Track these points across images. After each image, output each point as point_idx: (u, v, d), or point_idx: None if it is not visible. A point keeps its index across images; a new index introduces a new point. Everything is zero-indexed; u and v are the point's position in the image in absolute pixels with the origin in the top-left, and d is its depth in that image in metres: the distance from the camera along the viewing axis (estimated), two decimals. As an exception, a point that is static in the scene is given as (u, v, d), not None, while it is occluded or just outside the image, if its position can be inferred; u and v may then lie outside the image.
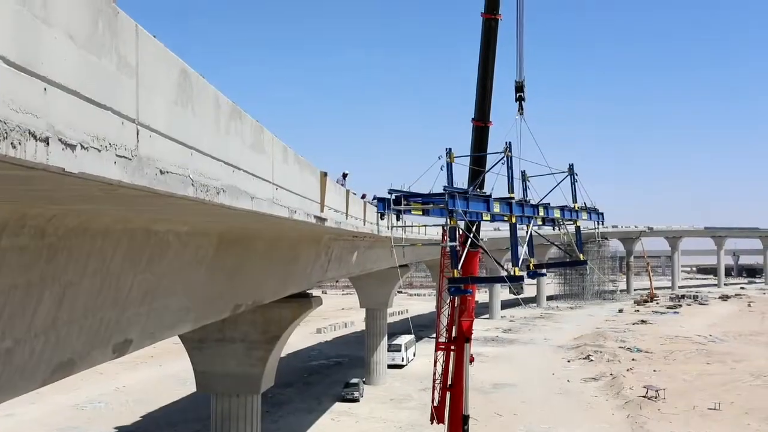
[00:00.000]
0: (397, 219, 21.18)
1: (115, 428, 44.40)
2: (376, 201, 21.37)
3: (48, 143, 3.95)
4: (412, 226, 24.96)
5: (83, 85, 4.36)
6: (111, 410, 48.80)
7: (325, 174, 15.39)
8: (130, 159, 5.08)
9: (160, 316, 13.68)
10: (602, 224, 33.12)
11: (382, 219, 21.76)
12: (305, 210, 13.10)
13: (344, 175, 22.69)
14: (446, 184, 23.12)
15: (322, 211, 14.91)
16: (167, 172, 5.86)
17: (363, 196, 24.14)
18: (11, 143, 3.59)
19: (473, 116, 27.97)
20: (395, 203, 20.36)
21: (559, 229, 30.89)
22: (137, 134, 5.21)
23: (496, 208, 23.86)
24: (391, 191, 20.47)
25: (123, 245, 10.78)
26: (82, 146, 4.36)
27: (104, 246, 10.19)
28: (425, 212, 21.84)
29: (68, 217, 8.80)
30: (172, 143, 5.97)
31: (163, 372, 61.08)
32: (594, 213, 31.01)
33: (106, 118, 4.69)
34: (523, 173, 27.29)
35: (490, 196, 24.44)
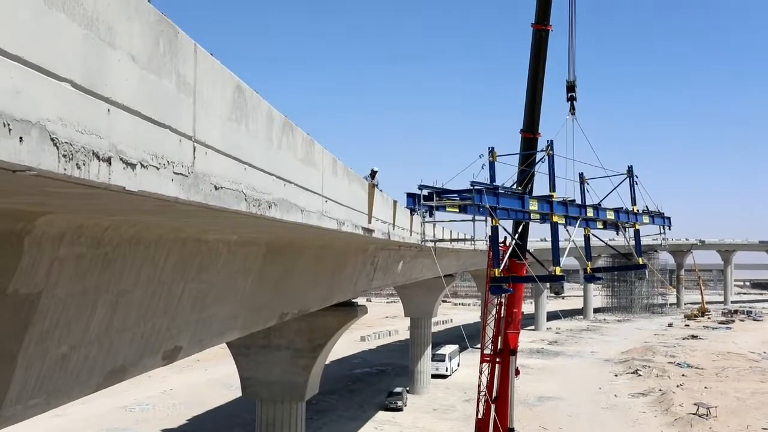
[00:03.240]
0: (430, 215, 20.75)
1: (162, 430, 45.13)
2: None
3: (110, 163, 4.05)
4: (443, 221, 23.73)
5: (144, 105, 4.45)
6: (158, 413, 49.65)
7: (373, 186, 15.43)
8: (187, 176, 5.17)
9: (209, 323, 13.86)
10: (669, 229, 30.88)
11: (412, 215, 21.22)
12: (353, 221, 13.15)
13: (373, 173, 21.19)
14: (490, 183, 22.63)
15: (369, 222, 14.95)
16: (221, 188, 5.94)
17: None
18: (76, 164, 3.69)
19: (522, 127, 27.72)
20: (427, 200, 19.75)
21: (623, 233, 29.19)
22: (194, 151, 5.30)
23: (533, 206, 23.15)
24: (421, 187, 20.00)
25: (174, 254, 10.96)
26: (142, 165, 4.46)
27: (156, 255, 10.37)
28: (462, 209, 21.03)
29: (123, 227, 8.99)
30: (226, 159, 6.05)
31: (210, 376, 61.87)
32: (659, 217, 29.44)
33: (164, 137, 4.79)
34: (581, 175, 26.60)
35: (525, 193, 23.90)
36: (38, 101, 3.37)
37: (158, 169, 4.69)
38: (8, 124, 3.15)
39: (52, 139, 3.50)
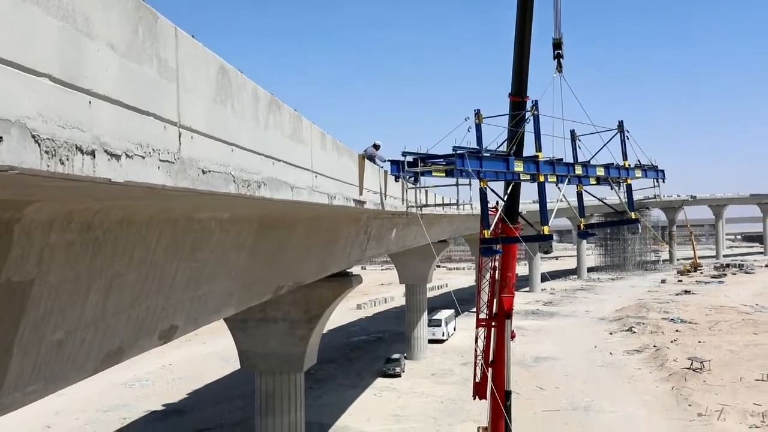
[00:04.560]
0: (415, 182, 20.71)
1: (163, 405, 45.51)
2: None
3: (94, 156, 4.00)
4: (427, 186, 23.73)
5: (126, 94, 4.39)
6: (158, 388, 50.01)
7: (363, 157, 15.38)
8: (173, 162, 5.13)
9: (204, 301, 13.87)
10: (663, 182, 30.16)
11: (396, 182, 21.18)
12: (344, 194, 13.12)
13: (376, 147, 21.30)
14: (476, 146, 22.53)
15: (360, 194, 14.92)
16: (209, 171, 5.90)
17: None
18: (59, 159, 3.64)
19: (510, 91, 27.51)
20: (411, 166, 19.72)
21: (616, 189, 29.07)
22: (179, 137, 5.24)
23: (519, 167, 23.11)
24: (405, 153, 19.94)
25: (166, 234, 10.91)
26: (127, 155, 4.40)
27: (148, 236, 10.32)
28: (449, 174, 20.94)
29: (113, 211, 8.93)
30: (213, 142, 6.00)
31: (207, 350, 62.23)
32: (651, 170, 29.41)
33: (148, 125, 4.73)
34: (572, 132, 26.54)
35: (509, 155, 23.84)
36: (17, 99, 3.31)
37: (144, 158, 4.64)
38: (-14, 125, 3.09)
39: (33, 137, 3.44)
